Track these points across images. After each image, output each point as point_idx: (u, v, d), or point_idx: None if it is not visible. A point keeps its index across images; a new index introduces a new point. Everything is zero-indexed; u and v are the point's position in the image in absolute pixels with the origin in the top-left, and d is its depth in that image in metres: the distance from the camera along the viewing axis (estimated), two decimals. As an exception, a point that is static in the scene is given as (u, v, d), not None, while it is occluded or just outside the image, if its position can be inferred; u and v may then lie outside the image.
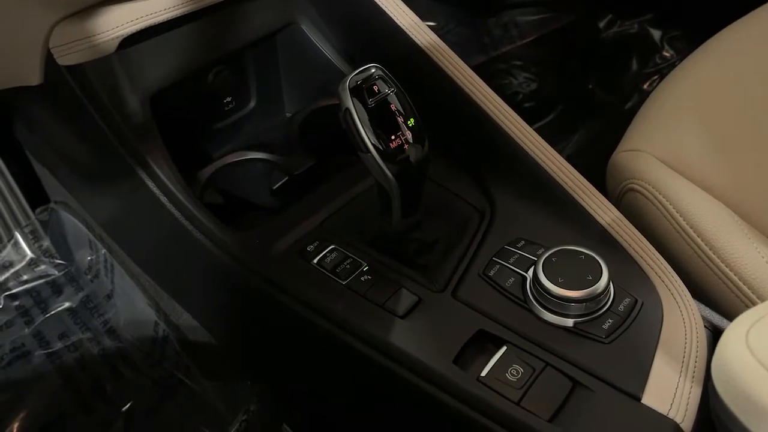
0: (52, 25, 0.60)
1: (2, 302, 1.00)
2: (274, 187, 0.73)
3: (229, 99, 0.78)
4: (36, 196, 1.01)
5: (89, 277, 1.00)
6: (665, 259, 0.57)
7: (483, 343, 0.52)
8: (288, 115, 0.82)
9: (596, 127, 1.29)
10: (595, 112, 1.33)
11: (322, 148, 0.76)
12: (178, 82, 0.68)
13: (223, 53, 0.72)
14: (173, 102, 0.69)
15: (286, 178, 0.73)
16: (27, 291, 1.01)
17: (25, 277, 1.03)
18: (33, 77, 0.63)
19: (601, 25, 1.47)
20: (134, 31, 0.61)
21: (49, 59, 0.61)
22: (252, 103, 0.81)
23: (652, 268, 0.56)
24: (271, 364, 0.75)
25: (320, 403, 0.71)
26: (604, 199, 0.61)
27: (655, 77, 1.38)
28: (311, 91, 0.80)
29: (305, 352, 0.64)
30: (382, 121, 0.51)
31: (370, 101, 0.50)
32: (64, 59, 0.61)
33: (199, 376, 0.82)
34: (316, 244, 0.59)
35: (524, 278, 0.54)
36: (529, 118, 0.66)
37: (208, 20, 0.68)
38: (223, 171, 0.74)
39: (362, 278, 0.56)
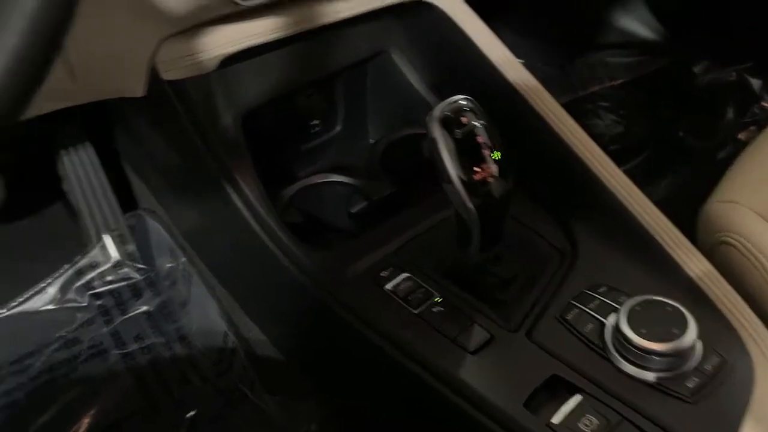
0: (159, 41, 0.63)
1: (87, 300, 1.05)
2: (353, 211, 0.73)
3: (316, 122, 0.80)
4: (126, 202, 1.06)
5: (167, 283, 1.03)
6: (759, 318, 0.54)
7: (556, 389, 0.50)
8: (371, 141, 0.83)
9: (686, 174, 1.24)
10: (685, 159, 1.28)
11: (403, 175, 0.76)
12: (270, 102, 0.70)
13: (316, 77, 0.74)
14: (263, 121, 0.72)
15: (366, 202, 0.73)
16: (110, 291, 1.06)
17: (108, 278, 1.07)
18: (137, 89, 0.67)
19: (696, 70, 1.42)
20: (235, 52, 0.64)
21: (153, 73, 0.65)
22: (338, 127, 0.82)
23: (744, 327, 0.52)
24: (336, 385, 0.75)
25: (382, 428, 0.70)
26: (695, 249, 0.58)
27: (753, 127, 1.31)
28: (395, 119, 0.81)
29: (371, 377, 0.63)
30: (468, 152, 0.51)
31: (457, 132, 0.50)
32: (168, 74, 0.64)
33: (263, 391, 0.83)
34: (390, 270, 0.59)
35: (604, 325, 0.52)
36: (615, 161, 0.64)
37: (305, 44, 0.70)
38: (305, 191, 0.76)
39: (434, 309, 0.56)
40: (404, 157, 0.78)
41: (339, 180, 0.76)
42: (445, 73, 0.77)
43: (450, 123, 0.50)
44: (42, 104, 0.70)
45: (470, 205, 0.51)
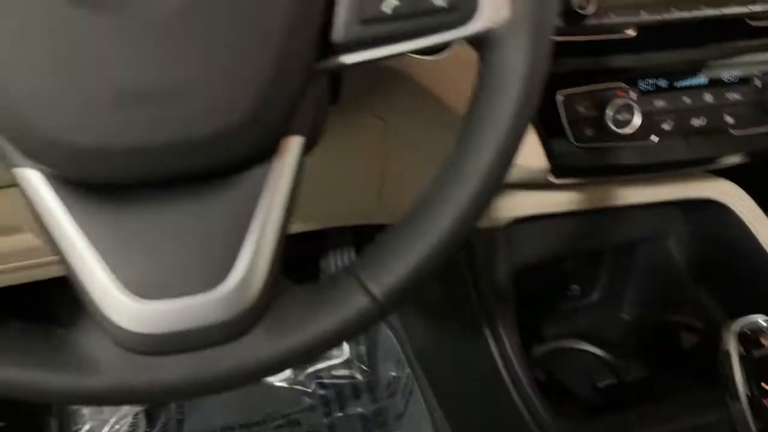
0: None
1: (313, 387, 1.14)
2: (599, 385, 0.73)
3: (576, 287, 0.83)
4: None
5: (387, 392, 1.09)
6: None
7: None
8: (626, 317, 0.84)
9: None
10: None
11: (657, 360, 0.75)
12: (542, 263, 0.74)
13: (590, 247, 0.77)
14: (529, 278, 0.76)
15: (614, 379, 0.73)
16: (333, 385, 1.14)
17: (335, 373, 1.16)
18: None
19: None
20: (528, 215, 0.70)
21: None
22: (595, 296, 0.84)
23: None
24: None
25: None
26: None
27: None
28: (657, 301, 0.81)
29: None
30: (762, 374, 0.50)
31: (755, 352, 0.50)
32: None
33: None
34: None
35: None
36: None
37: (587, 218, 0.74)
38: (554, 353, 0.78)
39: None
40: (662, 342, 0.77)
41: (590, 350, 0.77)
42: (719, 268, 0.76)
43: (747, 340, 0.50)
44: (348, 219, 0.82)
45: (753, 428, 0.49)
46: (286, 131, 0.34)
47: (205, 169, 0.33)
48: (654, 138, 0.63)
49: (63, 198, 0.33)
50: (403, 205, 0.81)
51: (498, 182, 0.38)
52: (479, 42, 0.38)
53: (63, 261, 0.34)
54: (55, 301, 0.99)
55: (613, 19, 0.59)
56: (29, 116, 0.30)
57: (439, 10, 0.35)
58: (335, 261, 1.10)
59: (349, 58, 0.35)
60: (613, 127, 0.60)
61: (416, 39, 0.35)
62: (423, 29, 0.35)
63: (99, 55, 0.29)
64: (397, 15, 0.34)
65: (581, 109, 0.64)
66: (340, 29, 0.33)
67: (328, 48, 0.34)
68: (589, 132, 0.63)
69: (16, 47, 0.28)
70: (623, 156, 0.63)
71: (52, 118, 0.30)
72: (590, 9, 0.57)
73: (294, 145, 0.35)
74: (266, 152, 0.34)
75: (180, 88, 0.30)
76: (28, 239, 0.67)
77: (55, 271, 0.79)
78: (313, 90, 0.35)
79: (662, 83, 0.64)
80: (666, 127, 0.63)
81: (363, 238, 1.06)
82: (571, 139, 0.62)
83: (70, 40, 0.29)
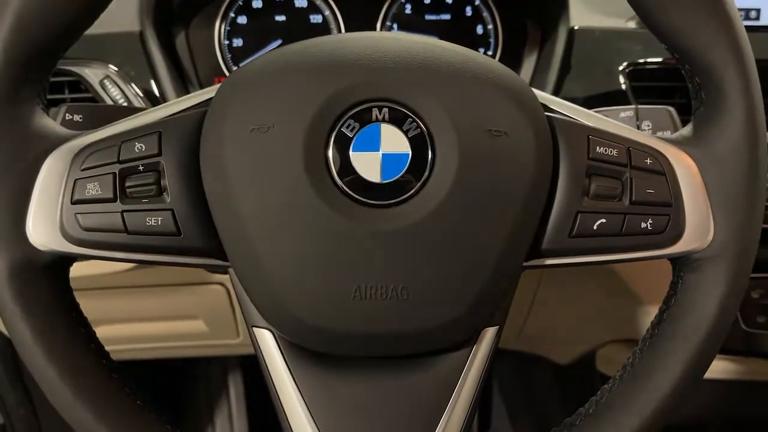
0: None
1: None
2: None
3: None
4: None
5: None
6: None
7: None
8: None
9: None
10: None
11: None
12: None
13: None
14: None
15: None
16: None
17: None
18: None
19: None
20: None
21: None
22: None
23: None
24: None
25: None
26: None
27: None
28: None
29: None
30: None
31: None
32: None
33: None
34: None
35: None
36: None
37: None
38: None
39: None
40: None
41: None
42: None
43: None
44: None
45: None
46: (488, 324, 0.41)
47: (416, 351, 0.40)
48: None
49: (289, 359, 0.41)
50: (537, 339, 0.84)
51: (682, 399, 0.41)
52: (678, 261, 0.42)
53: (278, 412, 0.42)
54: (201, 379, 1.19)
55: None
56: (286, 302, 0.38)
57: (645, 232, 0.40)
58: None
59: (554, 261, 0.41)
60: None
61: (619, 254, 0.41)
62: (627, 246, 0.40)
63: (348, 257, 0.37)
64: (603, 232, 0.40)
65: (755, 295, 0.63)
66: (551, 240, 0.40)
67: (536, 253, 0.40)
68: (760, 319, 0.63)
69: (287, 247, 0.38)
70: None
71: (304, 306, 0.38)
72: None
73: (491, 334, 0.41)
74: (469, 341, 0.41)
75: (408, 290, 0.38)
76: (200, 325, 0.86)
77: (213, 352, 0.98)
78: (514, 285, 0.42)
79: None
80: None
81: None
82: (740, 322, 0.62)
83: (330, 243, 0.37)
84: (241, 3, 0.75)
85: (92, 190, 0.39)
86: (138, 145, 0.40)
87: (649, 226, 0.40)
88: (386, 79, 0.38)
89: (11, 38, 0.38)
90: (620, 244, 0.40)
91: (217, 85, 0.42)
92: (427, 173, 0.38)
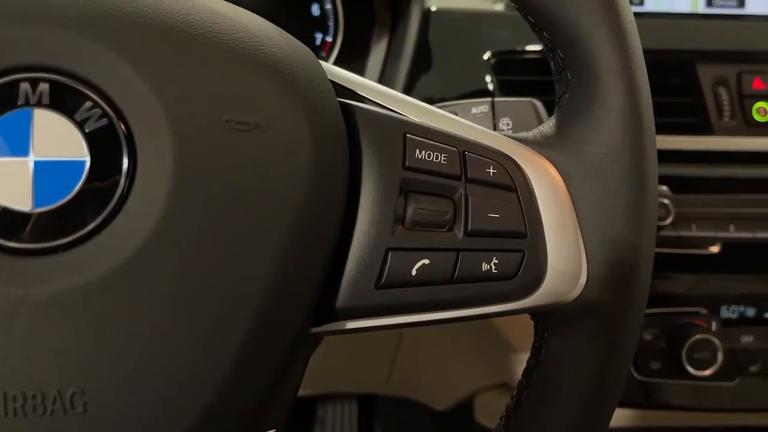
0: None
1: None
2: None
3: None
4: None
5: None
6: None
7: None
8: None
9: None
10: None
11: None
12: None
13: None
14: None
15: None
16: None
17: None
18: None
19: None
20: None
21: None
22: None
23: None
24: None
25: None
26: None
27: None
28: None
29: None
30: None
31: None
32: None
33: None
34: None
35: None
36: None
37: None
38: None
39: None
40: None
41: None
42: None
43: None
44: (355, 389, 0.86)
45: None
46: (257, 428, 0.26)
47: None
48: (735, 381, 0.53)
49: None
50: (408, 383, 0.67)
51: None
52: (538, 317, 0.30)
53: None
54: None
55: (695, 232, 0.50)
56: None
57: (487, 277, 0.27)
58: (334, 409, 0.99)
59: (356, 324, 0.27)
60: (689, 368, 0.50)
61: (450, 310, 0.27)
62: (461, 300, 0.27)
63: None
64: (427, 279, 0.26)
65: (648, 336, 0.53)
66: (349, 293, 0.26)
67: (328, 313, 0.26)
68: (655, 365, 0.53)
69: None
70: (692, 397, 0.53)
71: None
72: (668, 219, 0.49)
73: None
74: None
75: (86, 397, 0.22)
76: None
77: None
78: (298, 367, 0.27)
79: (749, 312, 0.54)
80: (753, 368, 0.53)
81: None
82: (632, 371, 0.53)
83: None
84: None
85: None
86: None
87: (493, 267, 0.27)
88: (48, 33, 0.22)
89: None
90: (451, 296, 0.27)
91: None
92: (118, 195, 0.22)
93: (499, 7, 0.60)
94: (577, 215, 0.28)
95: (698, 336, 0.49)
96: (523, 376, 0.31)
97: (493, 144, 0.28)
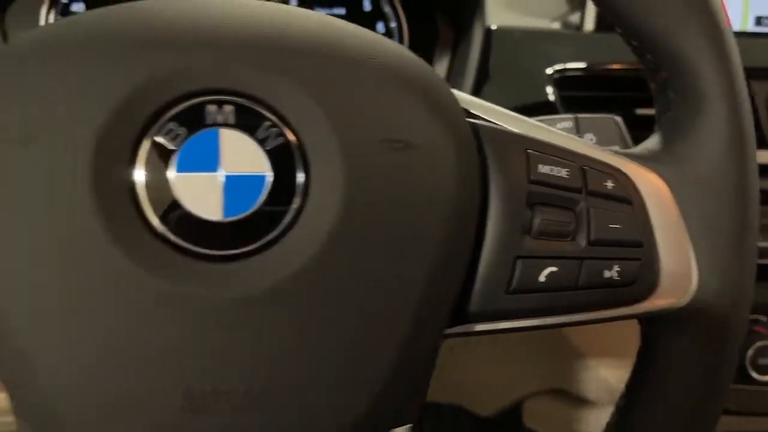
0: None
1: None
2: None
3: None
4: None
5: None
6: None
7: None
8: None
9: None
10: None
11: None
12: None
13: None
14: None
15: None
16: None
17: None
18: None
19: None
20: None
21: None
22: None
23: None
24: None
25: None
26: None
27: None
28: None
29: None
30: None
31: None
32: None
33: None
34: None
35: None
36: None
37: None
38: None
39: None
40: None
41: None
42: None
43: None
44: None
45: None
46: (394, 424, 0.28)
47: None
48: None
49: None
50: (456, 389, 0.68)
51: None
52: (653, 321, 0.32)
53: None
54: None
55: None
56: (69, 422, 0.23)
57: (609, 284, 0.29)
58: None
59: (486, 326, 0.29)
60: (753, 373, 0.51)
61: (575, 314, 0.29)
62: (584, 304, 0.29)
63: (170, 344, 0.23)
64: (554, 285, 0.28)
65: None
66: (481, 297, 0.28)
67: (461, 316, 0.28)
68: None
69: (68, 334, 0.23)
70: (757, 402, 0.54)
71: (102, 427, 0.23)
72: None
73: None
74: None
75: (267, 392, 0.24)
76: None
77: None
78: (431, 365, 0.29)
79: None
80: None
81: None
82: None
83: (138, 323, 0.23)
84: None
85: None
86: None
87: (615, 275, 0.29)
88: (230, 60, 0.25)
89: None
90: (576, 301, 0.29)
91: None
92: (296, 206, 0.24)
93: (556, 25, 0.62)
94: (686, 225, 0.30)
95: (761, 342, 0.51)
96: (630, 378, 0.33)
97: (607, 159, 0.30)
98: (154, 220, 0.23)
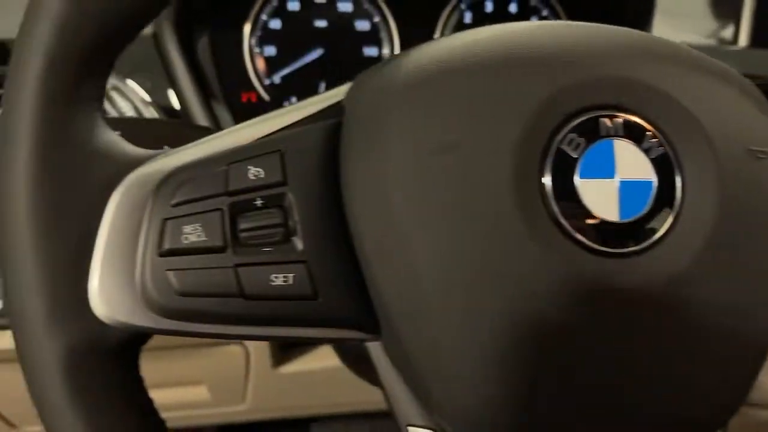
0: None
1: None
2: None
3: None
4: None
5: None
6: None
7: None
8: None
9: None
10: None
11: None
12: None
13: None
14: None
15: None
16: None
17: None
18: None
19: None
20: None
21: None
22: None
23: None
24: None
25: None
26: None
27: None
28: None
29: None
30: None
31: None
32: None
33: None
34: None
35: None
36: None
37: None
38: None
39: None
40: None
41: None
42: None
43: None
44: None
45: None
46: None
47: None
48: None
49: None
50: None
51: None
52: None
53: None
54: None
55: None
56: (478, 397, 0.27)
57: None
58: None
59: None
60: None
61: None
62: None
63: (586, 327, 0.26)
64: None
65: None
66: None
67: None
68: None
69: (484, 315, 0.26)
70: None
71: (509, 404, 0.27)
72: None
73: None
74: None
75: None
76: (201, 392, 0.74)
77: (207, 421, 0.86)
78: None
79: None
80: None
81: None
82: None
83: (550, 309, 0.26)
84: (275, 4, 0.63)
85: (192, 234, 0.26)
86: (253, 170, 0.27)
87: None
88: (615, 79, 0.27)
89: (72, 14, 0.26)
90: None
91: (346, 86, 0.30)
92: (677, 208, 0.27)
93: (710, 41, 0.65)
94: None
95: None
96: None
97: None
98: (563, 220, 0.26)
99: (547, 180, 0.26)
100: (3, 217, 0.26)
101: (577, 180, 0.27)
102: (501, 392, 0.26)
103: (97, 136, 0.27)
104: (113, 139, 0.28)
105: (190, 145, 0.29)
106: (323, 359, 0.74)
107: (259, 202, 0.27)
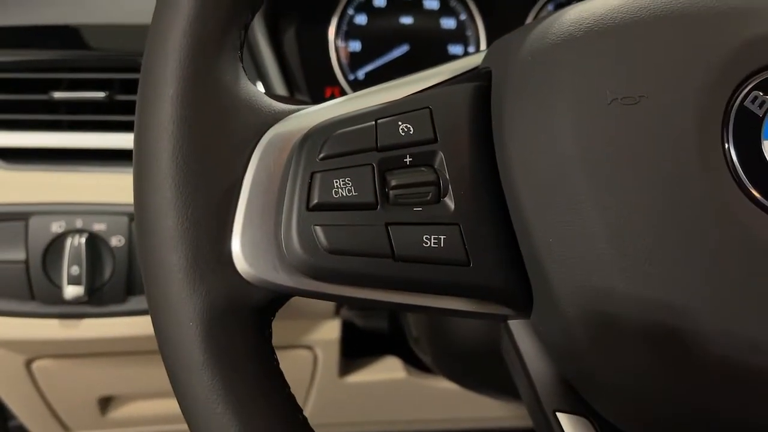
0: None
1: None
2: None
3: None
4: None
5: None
6: None
7: None
8: None
9: None
10: None
11: None
12: None
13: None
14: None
15: None
16: None
17: None
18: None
19: None
20: None
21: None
22: None
23: None
24: None
25: None
26: None
27: None
28: None
29: None
30: None
31: None
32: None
33: None
34: None
35: None
36: None
37: None
38: None
39: None
40: None
41: None
42: None
43: None
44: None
45: None
46: None
47: None
48: None
49: None
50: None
51: None
52: None
53: None
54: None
55: None
56: (654, 380, 0.24)
57: None
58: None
59: None
60: None
61: None
62: None
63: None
64: None
65: None
66: None
67: None
68: None
69: (669, 287, 0.23)
70: None
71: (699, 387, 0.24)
72: None
73: None
74: None
75: None
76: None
77: None
78: None
79: None
80: None
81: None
82: None
83: (744, 279, 0.23)
84: (361, 0, 0.63)
85: (342, 189, 0.25)
86: (402, 125, 0.26)
87: None
88: None
89: None
90: None
91: (478, 55, 0.29)
92: None
93: None
94: None
95: None
96: None
97: None
98: (752, 189, 0.24)
99: (729, 136, 0.24)
100: (146, 156, 0.24)
101: (764, 141, 0.24)
102: (672, 380, 0.24)
103: (241, 85, 0.26)
104: (255, 91, 0.27)
105: (331, 102, 0.28)
106: (390, 371, 0.71)
107: (408, 160, 0.26)
